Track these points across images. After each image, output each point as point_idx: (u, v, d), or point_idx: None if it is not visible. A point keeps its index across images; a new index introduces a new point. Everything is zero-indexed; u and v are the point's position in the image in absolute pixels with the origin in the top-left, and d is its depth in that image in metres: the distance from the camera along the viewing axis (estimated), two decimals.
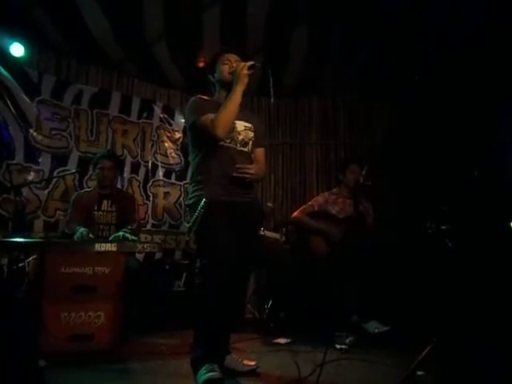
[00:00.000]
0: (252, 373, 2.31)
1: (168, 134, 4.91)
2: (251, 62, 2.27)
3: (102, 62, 4.42)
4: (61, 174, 4.03)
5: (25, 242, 2.63)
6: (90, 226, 3.33)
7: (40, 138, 3.98)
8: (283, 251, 3.94)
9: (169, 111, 4.95)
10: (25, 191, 3.75)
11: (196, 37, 3.98)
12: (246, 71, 2.25)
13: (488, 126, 4.13)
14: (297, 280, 3.62)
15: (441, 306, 2.70)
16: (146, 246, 2.88)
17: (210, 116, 2.22)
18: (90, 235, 3.15)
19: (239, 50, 2.49)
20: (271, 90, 2.32)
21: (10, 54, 3.84)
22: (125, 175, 4.48)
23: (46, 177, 3.96)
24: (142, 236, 4.32)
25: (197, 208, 2.18)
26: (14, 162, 3.80)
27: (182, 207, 4.85)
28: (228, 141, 2.32)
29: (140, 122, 4.71)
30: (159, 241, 4.53)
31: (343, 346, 2.87)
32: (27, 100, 3.93)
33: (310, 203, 3.77)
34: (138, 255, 3.77)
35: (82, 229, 3.15)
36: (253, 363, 2.36)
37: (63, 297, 2.54)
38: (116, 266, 2.72)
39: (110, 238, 3.16)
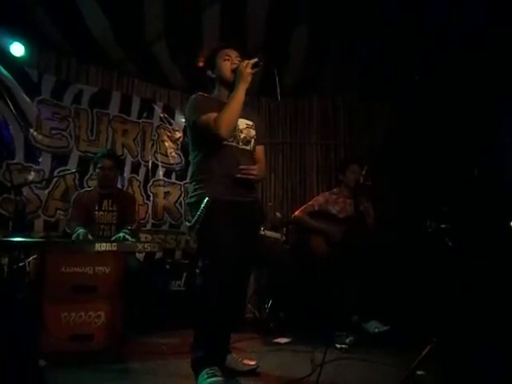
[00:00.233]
0: (252, 372, 2.31)
1: (168, 134, 4.91)
2: (254, 60, 2.23)
3: (102, 62, 4.42)
4: (61, 173, 4.02)
5: (25, 241, 2.64)
6: (91, 226, 3.34)
7: (40, 137, 3.98)
8: (283, 251, 3.94)
9: (169, 111, 4.95)
10: (25, 191, 3.74)
11: (196, 36, 3.98)
12: (249, 70, 2.22)
13: (488, 125, 4.12)
14: (297, 280, 3.62)
15: (441, 306, 2.70)
16: (146, 245, 2.87)
17: (213, 115, 2.18)
18: (89, 236, 3.15)
19: (238, 46, 2.44)
20: (278, 89, 2.27)
21: (10, 54, 3.84)
22: (125, 175, 4.48)
23: (47, 176, 3.96)
24: (143, 235, 4.32)
25: (199, 207, 2.15)
26: (15, 161, 3.80)
27: (183, 207, 4.85)
28: (230, 139, 2.27)
29: (140, 121, 4.71)
30: (159, 240, 4.54)
31: (343, 346, 2.87)
32: (27, 100, 3.93)
33: (310, 203, 3.77)
34: (138, 255, 3.78)
35: (81, 230, 3.15)
36: (253, 363, 2.36)
37: (63, 296, 2.54)
38: (116, 265, 2.72)
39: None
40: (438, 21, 3.60)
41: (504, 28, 3.50)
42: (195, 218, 2.16)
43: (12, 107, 3.82)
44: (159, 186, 4.77)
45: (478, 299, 2.78)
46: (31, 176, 3.88)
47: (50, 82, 4.09)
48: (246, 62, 2.24)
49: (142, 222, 4.44)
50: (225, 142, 2.25)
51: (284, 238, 4.14)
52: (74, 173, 4.05)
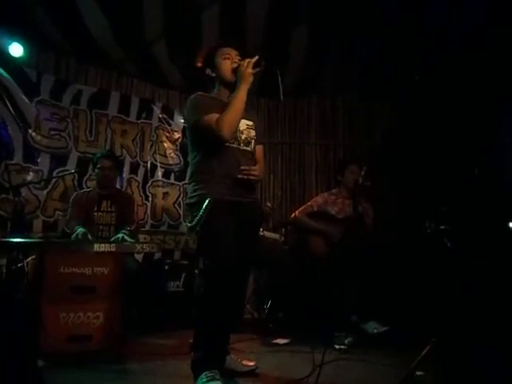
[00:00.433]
0: (251, 373, 2.31)
1: (167, 135, 4.91)
2: (256, 58, 2.19)
3: (101, 62, 4.42)
4: (60, 174, 4.02)
5: (24, 242, 2.63)
6: (90, 227, 3.33)
7: (39, 138, 3.98)
8: (282, 252, 3.94)
9: (168, 111, 4.95)
10: (24, 191, 3.75)
11: (195, 37, 3.98)
12: (250, 69, 2.18)
13: (488, 125, 4.13)
14: (296, 280, 3.62)
15: (440, 307, 2.70)
16: (144, 246, 2.87)
17: (215, 116, 2.15)
18: (89, 236, 3.15)
19: (238, 45, 2.40)
20: (280, 90, 2.23)
21: (8, 54, 3.83)
22: (124, 175, 4.48)
23: (45, 177, 3.96)
24: (141, 236, 4.32)
25: (199, 207, 2.13)
26: (13, 162, 3.79)
27: (181, 207, 4.85)
28: (231, 141, 2.24)
29: (139, 122, 4.70)
30: (158, 241, 4.53)
31: (342, 347, 2.87)
32: (26, 100, 3.92)
33: (309, 203, 3.77)
34: (137, 255, 3.77)
35: (80, 229, 3.15)
36: (252, 364, 2.36)
37: (62, 297, 2.53)
38: (115, 266, 2.72)
39: None
40: (438, 21, 3.60)
41: (504, 28, 3.50)
42: (196, 218, 2.14)
43: (11, 107, 3.81)
44: (158, 186, 4.77)
45: (477, 300, 2.78)
46: (30, 176, 3.87)
47: (48, 82, 4.09)
48: (247, 61, 2.20)
49: (140, 222, 4.44)
50: (226, 144, 2.22)
51: (283, 239, 4.14)
52: (72, 173, 4.04)
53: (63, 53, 4.23)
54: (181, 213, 4.85)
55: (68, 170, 4.03)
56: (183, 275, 3.92)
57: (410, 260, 3.31)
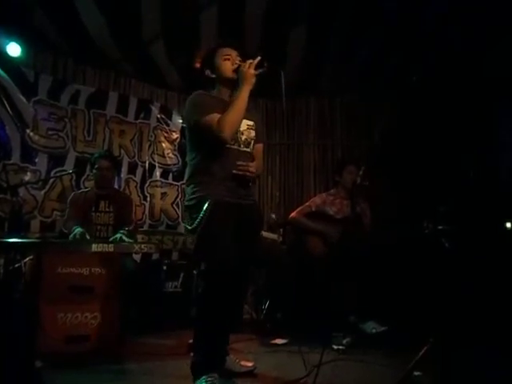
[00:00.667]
0: (249, 374, 2.31)
1: (165, 135, 4.91)
2: (258, 59, 2.16)
3: (99, 63, 4.41)
4: (58, 174, 4.01)
5: (21, 242, 2.63)
6: (88, 227, 3.33)
7: (37, 138, 3.97)
8: (281, 252, 3.93)
9: (166, 111, 4.94)
10: (21, 191, 3.73)
11: (194, 37, 3.98)
12: (253, 70, 2.15)
13: (488, 126, 4.13)
14: (294, 280, 3.61)
15: (437, 307, 2.70)
16: (142, 246, 2.86)
17: (216, 116, 2.12)
18: (86, 235, 3.15)
19: (237, 45, 2.36)
20: (283, 91, 2.20)
21: (6, 54, 3.82)
22: (122, 175, 4.47)
23: (43, 177, 3.94)
24: (139, 236, 4.31)
25: (199, 209, 2.12)
26: (11, 162, 3.78)
27: (180, 208, 4.85)
28: (231, 142, 2.23)
29: (137, 122, 4.69)
30: (156, 241, 4.52)
31: (340, 347, 2.87)
32: (24, 100, 3.91)
33: (307, 204, 3.77)
34: (135, 256, 3.77)
35: (78, 229, 3.15)
36: (250, 364, 2.36)
37: (60, 297, 2.53)
38: (113, 266, 2.72)
39: None
40: (438, 21, 3.61)
41: (504, 28, 3.51)
42: (197, 220, 2.13)
43: (8, 107, 3.80)
44: (156, 186, 4.76)
45: (476, 300, 2.79)
46: (27, 176, 3.86)
47: (46, 82, 4.08)
48: (249, 62, 2.16)
49: (139, 222, 4.43)
50: (226, 145, 2.20)
51: (281, 239, 4.14)
52: (70, 173, 4.03)
53: (61, 53, 4.22)
54: (179, 213, 4.85)
55: (66, 170, 4.02)
56: (181, 275, 3.92)
57: (408, 260, 3.31)
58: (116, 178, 4.08)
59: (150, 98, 4.87)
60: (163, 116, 4.90)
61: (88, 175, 4.12)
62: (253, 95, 2.20)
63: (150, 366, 2.50)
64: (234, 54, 2.30)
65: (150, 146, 4.76)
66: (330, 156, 5.30)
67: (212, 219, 2.11)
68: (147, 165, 4.71)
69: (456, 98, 4.19)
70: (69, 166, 4.09)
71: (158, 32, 3.97)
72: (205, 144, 2.22)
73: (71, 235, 3.14)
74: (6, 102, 3.80)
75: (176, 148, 4.95)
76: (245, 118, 2.27)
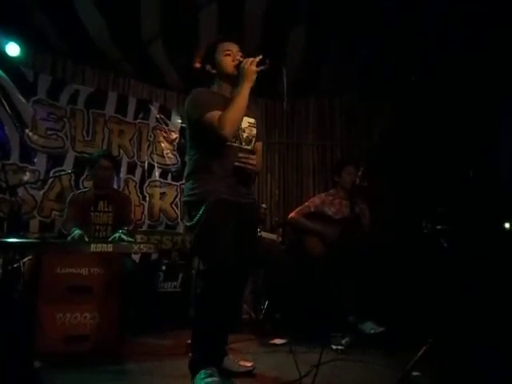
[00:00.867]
0: (248, 374, 2.31)
1: (164, 135, 4.90)
2: (260, 57, 2.13)
3: (98, 63, 4.41)
4: (57, 174, 4.01)
5: (20, 242, 2.62)
6: (87, 227, 3.32)
7: (36, 137, 3.97)
8: (280, 252, 3.94)
9: (165, 111, 4.94)
10: (20, 191, 3.73)
11: (193, 37, 3.97)
12: (254, 67, 2.12)
13: (488, 125, 4.13)
14: (293, 281, 3.62)
15: (436, 307, 2.70)
16: (142, 246, 2.85)
17: (217, 113, 2.09)
18: (85, 238, 3.13)
19: (238, 39, 2.33)
20: (285, 89, 2.17)
21: (5, 54, 3.82)
22: (121, 175, 4.47)
23: (42, 177, 3.94)
24: (138, 236, 4.30)
25: (199, 207, 2.11)
26: (10, 162, 3.78)
27: (179, 208, 4.84)
28: (233, 139, 2.20)
29: (136, 122, 4.69)
30: (155, 241, 4.52)
31: (339, 347, 2.87)
32: (23, 100, 3.91)
33: (306, 204, 3.77)
34: (134, 256, 3.76)
35: (77, 231, 3.13)
36: (249, 364, 2.35)
37: (59, 297, 2.53)
38: (112, 266, 2.71)
39: None
40: (438, 21, 3.61)
41: (504, 28, 3.51)
42: (196, 218, 2.12)
43: (7, 107, 3.80)
44: (155, 186, 4.76)
45: (475, 300, 2.79)
46: (26, 176, 3.86)
47: (45, 82, 4.08)
48: (251, 59, 2.14)
49: (138, 222, 4.43)
50: (227, 143, 2.18)
51: (280, 239, 4.14)
52: (69, 173, 4.03)
53: (60, 53, 4.22)
54: (178, 213, 4.84)
55: (65, 170, 4.01)
56: (180, 275, 3.91)
57: (407, 260, 3.32)
58: (115, 178, 4.07)
59: (149, 98, 4.87)
60: (162, 116, 4.90)
61: (87, 175, 4.11)
62: (253, 93, 2.18)
63: (148, 366, 2.49)
64: (234, 49, 2.27)
65: (149, 146, 4.75)
66: (330, 156, 5.31)
67: (211, 218, 2.10)
68: (146, 165, 4.70)
69: (456, 98, 4.19)
70: (68, 166, 4.09)
71: (157, 32, 3.97)
72: (206, 141, 2.19)
73: (69, 237, 3.13)
74: (5, 102, 3.79)
75: (175, 148, 4.95)
76: (246, 115, 2.24)
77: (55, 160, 4.06)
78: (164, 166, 4.85)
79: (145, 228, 4.60)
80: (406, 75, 3.75)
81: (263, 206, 4.35)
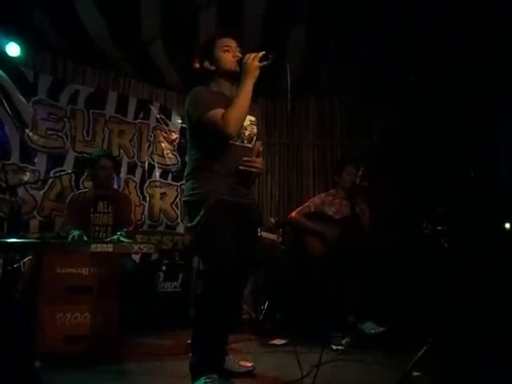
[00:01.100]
0: (248, 374, 2.31)
1: (165, 135, 4.90)
2: (262, 53, 2.10)
3: (98, 63, 4.41)
4: (57, 174, 4.01)
5: (20, 242, 2.63)
6: (86, 228, 3.31)
7: (36, 138, 3.97)
8: (280, 252, 3.94)
9: (165, 112, 4.94)
10: (20, 191, 3.73)
11: (193, 37, 3.97)
12: (257, 63, 2.08)
13: (488, 126, 4.13)
14: (293, 281, 3.62)
15: (437, 307, 2.70)
16: (142, 246, 2.85)
17: (220, 111, 2.05)
18: (84, 237, 3.13)
19: (236, 34, 2.29)
20: (289, 86, 2.14)
21: (5, 54, 3.82)
22: (121, 176, 4.47)
23: (42, 177, 3.94)
24: (138, 236, 4.30)
25: (199, 207, 2.10)
26: (10, 162, 3.78)
27: (179, 208, 4.84)
28: (235, 138, 2.17)
29: (136, 122, 4.69)
30: (155, 241, 4.52)
31: (339, 347, 2.87)
32: (23, 100, 3.91)
33: (306, 204, 3.77)
34: (134, 256, 3.76)
35: (76, 232, 3.12)
36: (250, 365, 2.35)
37: (59, 297, 2.53)
38: (112, 266, 2.71)
39: None
40: (438, 21, 3.61)
41: (504, 28, 3.51)
42: (197, 219, 2.11)
43: (7, 107, 3.80)
44: (155, 186, 4.76)
45: (475, 300, 2.79)
46: (26, 176, 3.86)
47: (46, 82, 4.08)
48: (254, 54, 2.10)
49: (138, 223, 4.42)
50: (229, 141, 2.15)
51: (280, 239, 4.14)
52: (69, 173, 4.03)
53: (60, 53, 4.22)
54: (178, 213, 4.84)
55: (65, 170, 4.01)
56: (180, 275, 3.91)
57: (407, 260, 3.32)
58: (115, 179, 4.08)
59: (149, 98, 4.87)
60: (162, 116, 4.90)
61: (87, 175, 4.11)
62: (253, 92, 2.14)
63: (148, 366, 2.49)
64: (233, 45, 2.23)
65: (149, 146, 4.75)
66: (330, 156, 5.30)
67: (211, 219, 2.09)
68: (146, 165, 4.70)
69: (456, 98, 4.19)
70: (68, 166, 4.09)
71: (157, 32, 3.97)
72: (207, 140, 2.16)
73: (69, 238, 3.12)
74: (5, 102, 3.79)
75: (175, 148, 4.95)
76: (248, 113, 2.20)
77: (55, 160, 4.06)
78: (164, 166, 4.85)
79: (145, 228, 4.60)
80: (406, 75, 3.76)
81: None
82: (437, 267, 2.89)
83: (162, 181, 4.82)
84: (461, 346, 2.43)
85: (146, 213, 4.64)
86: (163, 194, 4.80)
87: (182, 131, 4.85)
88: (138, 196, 4.60)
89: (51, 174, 3.99)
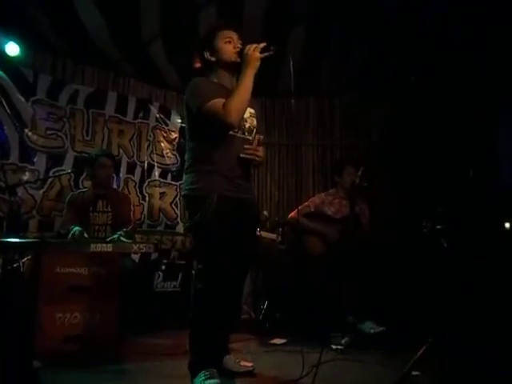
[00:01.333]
0: (248, 374, 2.30)
1: (164, 135, 4.90)
2: (263, 44, 2.09)
3: (98, 62, 4.41)
4: (56, 174, 4.00)
5: (20, 242, 2.62)
6: (86, 227, 3.31)
7: (35, 137, 3.96)
8: (279, 252, 3.94)
9: (165, 111, 4.94)
10: (20, 191, 3.73)
11: (193, 37, 3.97)
12: (258, 54, 2.06)
13: (488, 125, 4.13)
14: (293, 281, 3.62)
15: (437, 307, 2.70)
16: (141, 246, 2.85)
17: (221, 101, 2.03)
18: (85, 234, 3.14)
19: (237, 26, 2.28)
20: (292, 80, 2.14)
21: (5, 54, 3.81)
22: (121, 175, 4.47)
23: (42, 177, 3.94)
24: (138, 236, 4.30)
25: (200, 203, 2.08)
26: (9, 161, 3.78)
27: (178, 207, 4.84)
28: (235, 129, 2.15)
29: (136, 122, 4.69)
30: (155, 241, 4.52)
31: (339, 347, 2.87)
32: (22, 100, 3.91)
33: (306, 204, 3.77)
34: (133, 256, 3.76)
35: (76, 228, 3.13)
36: (250, 365, 2.34)
37: (58, 297, 2.53)
38: (111, 266, 2.71)
39: None
40: (438, 21, 3.61)
41: (504, 28, 3.51)
42: (197, 217, 2.09)
43: (7, 107, 3.80)
44: (155, 186, 4.76)
45: (475, 300, 2.79)
46: (26, 176, 3.86)
47: (45, 82, 4.07)
48: (255, 45, 2.08)
49: (137, 222, 4.42)
50: (230, 132, 2.13)
51: (280, 239, 4.13)
52: (69, 173, 4.03)
53: (60, 53, 4.22)
54: (178, 213, 4.84)
55: (64, 170, 4.00)
56: (180, 275, 3.92)
57: (407, 260, 3.31)
58: (115, 178, 4.07)
59: (148, 98, 4.87)
60: (162, 116, 4.90)
61: (87, 175, 4.10)
62: (252, 88, 2.13)
63: (148, 366, 2.49)
64: (235, 37, 2.22)
65: (148, 145, 4.75)
66: (330, 156, 5.30)
67: (212, 219, 2.08)
68: (146, 165, 4.70)
69: (456, 97, 4.19)
70: (67, 166, 4.09)
71: (157, 32, 3.97)
72: (207, 131, 2.13)
73: (69, 234, 3.13)
74: (4, 102, 3.79)
75: (175, 148, 4.95)
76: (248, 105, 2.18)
77: (55, 160, 4.06)
78: (164, 166, 4.85)
79: (144, 228, 4.60)
80: (406, 75, 3.75)
81: (264, 212, 4.32)
82: (436, 267, 2.89)
83: (162, 180, 4.82)
84: (461, 346, 2.42)
85: (145, 212, 4.64)
86: (163, 194, 4.80)
87: (182, 131, 4.85)
88: (138, 195, 4.60)
89: (50, 173, 3.99)
